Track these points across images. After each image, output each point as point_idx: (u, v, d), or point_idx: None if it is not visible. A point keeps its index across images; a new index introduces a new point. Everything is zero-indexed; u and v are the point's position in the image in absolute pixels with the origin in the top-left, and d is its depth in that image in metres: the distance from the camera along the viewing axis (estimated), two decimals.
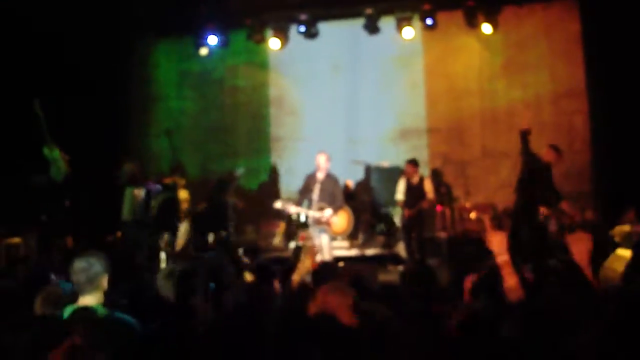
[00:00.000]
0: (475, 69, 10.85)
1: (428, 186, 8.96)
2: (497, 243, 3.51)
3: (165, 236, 8.64)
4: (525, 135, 8.47)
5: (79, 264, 3.33)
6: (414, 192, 8.93)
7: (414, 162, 9.07)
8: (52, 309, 3.56)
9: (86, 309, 3.25)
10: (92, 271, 3.31)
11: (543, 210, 7.94)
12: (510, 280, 3.41)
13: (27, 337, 3.14)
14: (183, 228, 9.16)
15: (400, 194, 9.08)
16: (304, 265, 4.24)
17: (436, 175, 9.96)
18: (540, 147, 9.13)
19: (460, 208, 9.48)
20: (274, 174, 11.45)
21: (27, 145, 8.07)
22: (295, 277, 4.23)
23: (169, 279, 3.87)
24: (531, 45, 10.58)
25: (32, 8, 9.02)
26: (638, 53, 8.81)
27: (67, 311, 3.24)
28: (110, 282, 3.43)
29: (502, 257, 3.47)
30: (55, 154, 7.91)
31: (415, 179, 9.00)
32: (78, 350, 2.74)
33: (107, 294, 3.43)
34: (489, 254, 3.66)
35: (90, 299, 3.31)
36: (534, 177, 8.20)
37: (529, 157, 8.30)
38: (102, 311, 3.27)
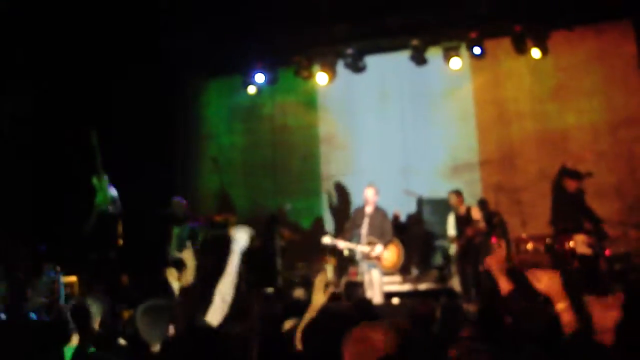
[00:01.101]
0: (526, 91, 10.57)
1: (476, 214, 8.68)
2: (550, 287, 3.05)
3: None
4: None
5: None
6: (463, 222, 8.67)
7: (457, 192, 8.86)
8: None
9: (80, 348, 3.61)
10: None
11: (579, 237, 7.63)
12: (566, 317, 2.97)
13: None
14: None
15: (451, 228, 8.84)
16: (317, 300, 3.98)
17: (484, 205, 9.65)
18: (599, 176, 8.86)
19: (517, 239, 9.14)
20: (326, 211, 11.34)
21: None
22: (308, 315, 3.98)
23: None
24: (584, 71, 10.26)
25: (90, 44, 9.30)
26: None
27: (67, 352, 3.57)
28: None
29: (560, 304, 3.00)
30: (103, 183, 8.07)
31: (462, 210, 8.76)
32: None
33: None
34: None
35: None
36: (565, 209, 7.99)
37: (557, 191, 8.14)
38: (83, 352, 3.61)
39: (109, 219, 8.29)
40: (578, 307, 3.02)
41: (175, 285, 4.70)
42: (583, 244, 7.64)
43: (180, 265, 5.63)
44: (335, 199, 11.24)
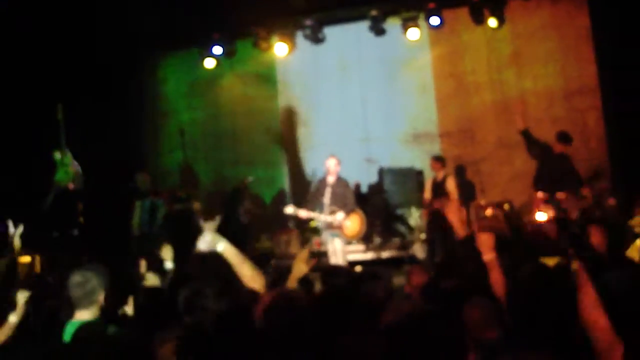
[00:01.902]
0: (484, 61, 10.73)
1: (450, 185, 8.85)
2: (483, 243, 3.80)
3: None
4: (527, 134, 8.55)
5: (75, 279, 3.30)
6: (436, 189, 8.90)
7: (435, 158, 9.12)
8: None
9: (88, 326, 3.21)
10: (89, 286, 3.28)
11: (561, 196, 7.90)
12: (495, 275, 3.66)
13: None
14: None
15: (427, 192, 9.09)
16: (298, 270, 4.10)
17: (461, 173, 9.85)
18: (554, 140, 9.14)
19: (476, 206, 9.34)
20: (288, 182, 11.41)
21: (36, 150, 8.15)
22: (290, 283, 4.09)
23: None
24: (540, 38, 10.45)
25: (43, 20, 9.11)
26: None
27: (69, 329, 3.20)
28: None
29: (488, 255, 3.76)
30: (66, 159, 7.94)
31: (439, 176, 8.98)
32: None
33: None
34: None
35: (85, 314, 3.27)
36: (551, 167, 8.25)
37: (541, 148, 8.37)
38: (103, 328, 3.25)
39: (70, 196, 8.18)
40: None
41: (169, 265, 4.70)
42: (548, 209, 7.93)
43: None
44: (295, 170, 11.32)
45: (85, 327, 3.20)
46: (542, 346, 2.73)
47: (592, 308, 2.64)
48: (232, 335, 2.95)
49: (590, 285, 2.71)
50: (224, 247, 3.66)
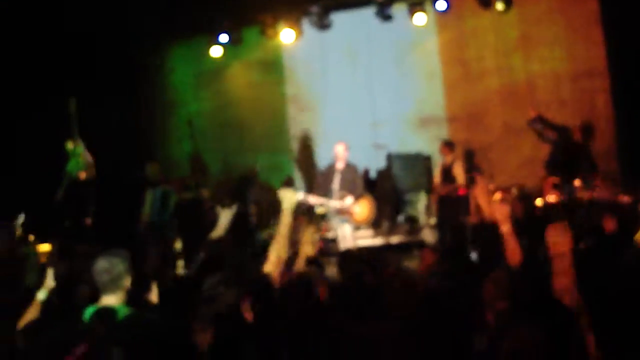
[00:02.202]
0: (491, 46, 10.70)
1: (457, 170, 8.97)
2: (500, 214, 3.91)
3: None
4: (541, 119, 8.54)
5: (101, 264, 3.32)
6: (445, 174, 9.03)
7: (447, 144, 9.24)
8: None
9: (107, 309, 3.24)
10: (115, 271, 3.30)
11: (576, 182, 7.93)
12: (511, 245, 3.81)
13: (49, 338, 3.15)
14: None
15: (436, 176, 9.25)
16: (305, 251, 4.16)
17: (469, 157, 9.81)
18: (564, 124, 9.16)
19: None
20: (295, 169, 11.45)
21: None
22: (298, 265, 4.16)
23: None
24: (546, 21, 10.39)
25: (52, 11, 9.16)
26: None
27: (89, 311, 3.22)
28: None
29: (505, 226, 3.86)
30: (78, 149, 8.02)
31: (447, 160, 9.10)
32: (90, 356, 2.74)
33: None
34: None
35: (112, 299, 3.29)
36: (566, 153, 8.28)
37: (558, 132, 8.37)
38: (124, 311, 3.25)
39: (81, 186, 8.25)
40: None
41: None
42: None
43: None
44: (303, 157, 11.36)
45: (104, 309, 3.24)
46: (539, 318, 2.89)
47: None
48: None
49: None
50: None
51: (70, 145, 8.04)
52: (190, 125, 10.54)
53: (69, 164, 8.14)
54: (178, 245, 8.37)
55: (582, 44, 10.28)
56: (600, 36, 10.12)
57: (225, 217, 4.35)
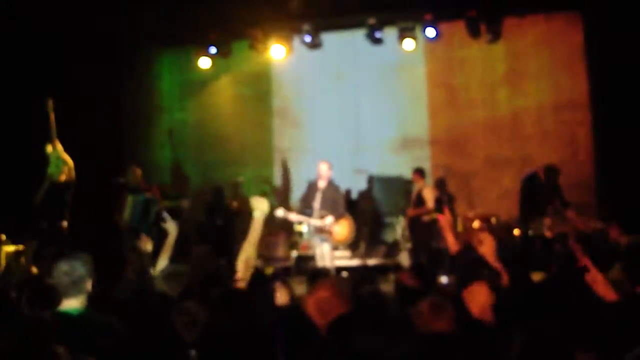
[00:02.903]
0: (477, 78, 10.85)
1: (426, 195, 9.14)
2: (486, 244, 3.97)
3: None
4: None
5: (62, 267, 3.33)
6: (416, 198, 9.24)
7: (417, 171, 9.44)
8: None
9: (67, 312, 3.26)
10: (76, 274, 3.31)
11: (547, 221, 8.07)
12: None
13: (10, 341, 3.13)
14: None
15: (412, 201, 9.42)
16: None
17: (441, 185, 9.87)
18: (543, 156, 9.29)
19: (464, 218, 9.44)
20: (277, 184, 11.43)
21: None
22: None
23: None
24: (533, 55, 10.58)
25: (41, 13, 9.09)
26: None
27: (49, 314, 3.23)
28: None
29: (490, 256, 3.93)
30: (56, 152, 7.90)
31: (417, 187, 9.33)
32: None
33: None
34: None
35: (73, 302, 3.31)
36: (533, 196, 8.47)
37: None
38: (83, 314, 3.27)
39: (60, 188, 8.15)
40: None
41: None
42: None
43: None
44: (286, 173, 11.36)
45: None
46: None
47: None
48: None
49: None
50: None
51: (49, 149, 7.92)
52: (171, 135, 10.45)
53: (49, 167, 8.02)
54: (148, 246, 8.37)
55: (566, 76, 10.48)
56: (584, 69, 10.32)
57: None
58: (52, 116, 7.73)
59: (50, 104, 7.71)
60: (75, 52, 9.64)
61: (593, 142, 10.20)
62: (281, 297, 3.88)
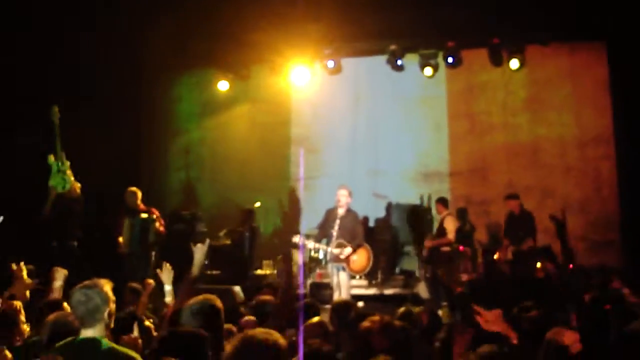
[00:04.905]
0: (499, 103, 10.70)
1: (448, 225, 8.98)
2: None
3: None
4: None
5: (76, 296, 3.20)
6: (437, 230, 9.14)
7: (440, 200, 9.40)
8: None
9: (84, 341, 3.13)
10: (92, 304, 3.17)
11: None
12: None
13: None
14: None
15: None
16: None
17: (462, 215, 9.64)
18: (565, 189, 9.09)
19: (483, 249, 9.23)
20: (292, 211, 11.25)
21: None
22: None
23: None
24: (556, 85, 10.44)
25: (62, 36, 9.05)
26: None
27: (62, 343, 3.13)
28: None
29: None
30: (65, 166, 7.70)
31: (441, 215, 9.25)
32: None
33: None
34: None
35: (90, 332, 3.16)
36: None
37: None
38: (104, 344, 3.12)
39: (68, 204, 7.95)
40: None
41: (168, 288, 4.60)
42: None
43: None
44: (296, 199, 11.19)
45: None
46: None
47: None
48: None
49: None
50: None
51: (52, 159, 7.69)
52: (187, 153, 10.36)
53: (53, 178, 7.79)
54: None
55: (590, 110, 10.28)
56: (608, 103, 10.12)
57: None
58: (57, 124, 7.55)
59: (55, 111, 7.54)
60: (96, 74, 9.59)
61: (617, 178, 9.96)
62: None
